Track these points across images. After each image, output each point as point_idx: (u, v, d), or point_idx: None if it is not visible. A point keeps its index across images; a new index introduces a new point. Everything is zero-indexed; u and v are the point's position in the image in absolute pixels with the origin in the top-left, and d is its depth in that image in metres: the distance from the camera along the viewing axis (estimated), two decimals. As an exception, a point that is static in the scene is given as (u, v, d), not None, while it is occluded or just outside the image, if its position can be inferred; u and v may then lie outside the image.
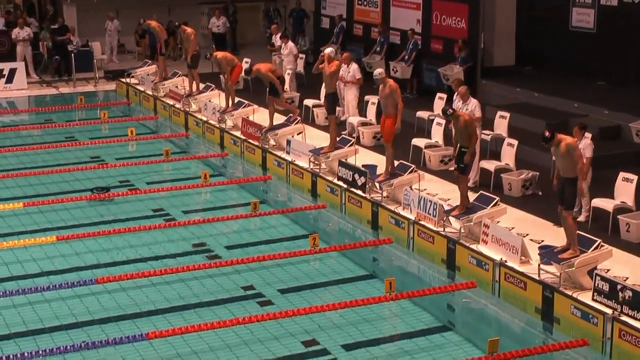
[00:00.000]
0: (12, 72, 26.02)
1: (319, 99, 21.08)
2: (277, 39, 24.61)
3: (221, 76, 21.64)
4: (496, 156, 16.60)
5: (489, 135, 17.23)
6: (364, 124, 19.40)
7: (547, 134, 12.01)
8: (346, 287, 13.17)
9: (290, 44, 23.82)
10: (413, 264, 14.24)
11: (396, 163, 15.69)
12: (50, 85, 26.49)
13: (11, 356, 10.76)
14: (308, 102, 21.42)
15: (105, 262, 13.94)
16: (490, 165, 16.12)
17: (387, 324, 12.26)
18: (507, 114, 17.51)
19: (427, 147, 17.49)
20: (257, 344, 11.42)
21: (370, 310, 12.31)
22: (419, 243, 14.15)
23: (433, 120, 18.36)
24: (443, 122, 17.58)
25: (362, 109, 20.21)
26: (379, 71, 15.81)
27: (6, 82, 25.97)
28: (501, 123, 17.46)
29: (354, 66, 20.00)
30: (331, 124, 17.47)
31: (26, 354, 10.81)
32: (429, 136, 18.07)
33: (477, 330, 12.22)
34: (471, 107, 15.93)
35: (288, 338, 11.57)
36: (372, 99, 20.04)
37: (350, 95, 19.93)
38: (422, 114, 19.44)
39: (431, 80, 22.11)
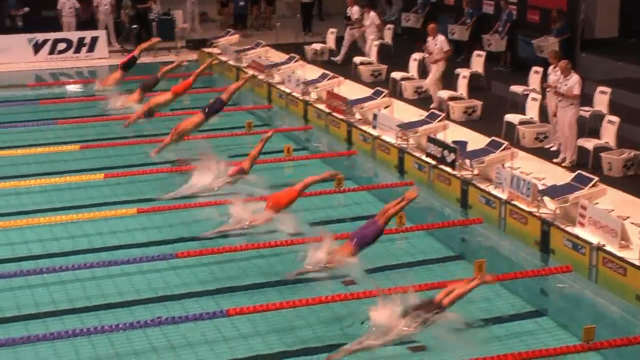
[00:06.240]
0: (94, 40, 26.16)
1: (407, 72, 20.79)
2: (352, 12, 24.01)
3: None
4: (595, 134, 16.01)
5: (588, 111, 16.57)
6: (453, 99, 18.83)
7: None
8: (433, 268, 12.88)
9: (372, 13, 23.31)
10: (504, 245, 13.77)
11: (488, 140, 15.27)
12: (132, 54, 26.47)
13: (92, 329, 10.85)
14: (396, 74, 20.95)
15: (187, 237, 13.78)
16: (588, 143, 15.53)
17: (476, 307, 11.71)
18: (608, 90, 16.77)
19: (521, 123, 16.95)
20: (339, 324, 11.20)
21: (459, 293, 11.97)
22: (511, 224, 13.72)
23: (528, 95, 17.72)
24: (539, 97, 17.04)
25: (452, 83, 19.68)
26: None
27: (87, 51, 26.10)
28: (601, 99, 16.74)
29: (441, 38, 19.48)
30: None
31: (106, 327, 10.85)
32: (523, 112, 17.50)
33: (572, 317, 11.77)
34: (571, 84, 15.39)
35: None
36: (464, 72, 19.50)
37: (434, 68, 19.43)
38: (516, 89, 18.75)
39: (526, 52, 21.46)
